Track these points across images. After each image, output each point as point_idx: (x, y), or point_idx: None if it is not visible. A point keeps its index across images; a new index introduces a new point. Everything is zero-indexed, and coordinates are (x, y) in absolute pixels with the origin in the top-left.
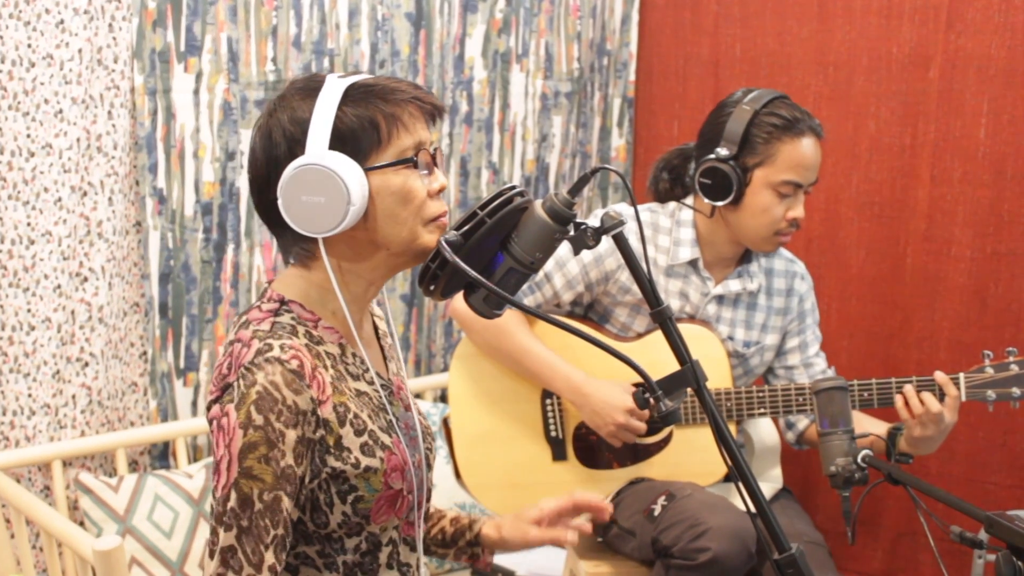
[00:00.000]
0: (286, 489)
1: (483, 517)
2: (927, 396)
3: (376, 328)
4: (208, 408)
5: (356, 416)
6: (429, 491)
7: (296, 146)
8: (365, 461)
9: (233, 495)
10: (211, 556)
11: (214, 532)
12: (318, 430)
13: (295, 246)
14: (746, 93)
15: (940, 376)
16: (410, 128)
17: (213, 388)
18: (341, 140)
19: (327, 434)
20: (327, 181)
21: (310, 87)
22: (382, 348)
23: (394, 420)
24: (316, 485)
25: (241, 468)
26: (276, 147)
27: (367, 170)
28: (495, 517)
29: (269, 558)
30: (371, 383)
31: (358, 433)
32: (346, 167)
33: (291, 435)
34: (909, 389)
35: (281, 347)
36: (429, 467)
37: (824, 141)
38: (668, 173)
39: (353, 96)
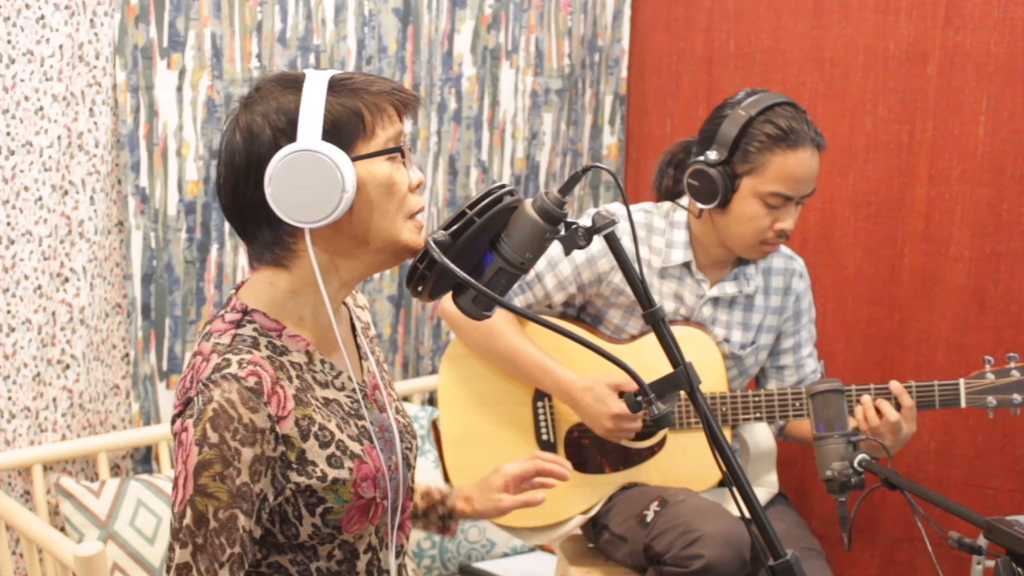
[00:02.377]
0: (242, 507)
1: (453, 491)
2: (884, 405)
3: (353, 327)
4: (172, 421)
5: (322, 428)
6: (411, 490)
7: (281, 136)
8: (332, 473)
9: (188, 512)
10: (167, 572)
11: (171, 548)
12: (278, 447)
13: (273, 246)
14: (748, 95)
15: (895, 386)
16: (392, 119)
17: (177, 401)
18: (328, 130)
19: (288, 450)
20: (322, 168)
21: (288, 80)
22: (358, 347)
23: (368, 425)
24: (283, 500)
25: (196, 485)
26: (258, 139)
27: (354, 160)
28: (463, 489)
29: None
30: (341, 388)
31: (324, 445)
32: (339, 155)
33: (247, 453)
34: (867, 400)
35: (239, 363)
36: (409, 467)
37: (824, 148)
38: (673, 169)
39: (336, 88)
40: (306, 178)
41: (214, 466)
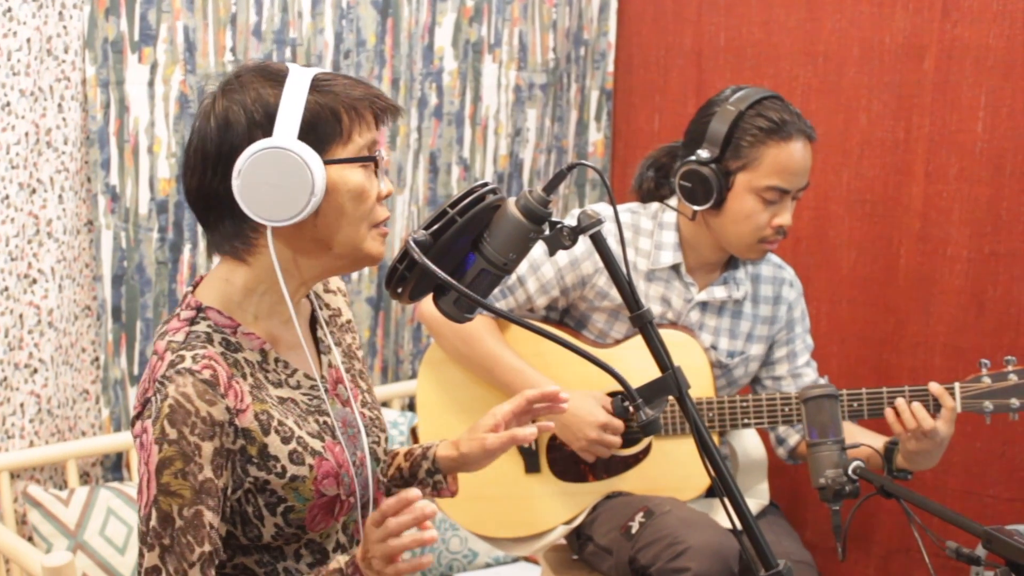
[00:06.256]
0: (207, 503)
1: (437, 442)
2: (918, 409)
3: (313, 320)
4: (132, 424)
5: (281, 424)
6: (380, 483)
7: (257, 129)
8: (292, 470)
9: (154, 513)
10: None
11: (141, 553)
12: (237, 440)
13: (234, 238)
14: (734, 91)
15: (935, 387)
16: (370, 126)
17: (136, 403)
18: (304, 129)
19: (248, 444)
20: (293, 169)
21: (271, 72)
22: (317, 342)
23: (330, 419)
24: (241, 496)
25: (159, 485)
26: (233, 129)
27: (327, 163)
28: (448, 439)
29: None
30: (297, 387)
31: (285, 440)
32: (311, 157)
33: (207, 447)
34: (901, 403)
35: (193, 357)
36: (378, 461)
37: (815, 140)
38: (655, 172)
39: (317, 87)
40: (276, 176)
41: (175, 463)
